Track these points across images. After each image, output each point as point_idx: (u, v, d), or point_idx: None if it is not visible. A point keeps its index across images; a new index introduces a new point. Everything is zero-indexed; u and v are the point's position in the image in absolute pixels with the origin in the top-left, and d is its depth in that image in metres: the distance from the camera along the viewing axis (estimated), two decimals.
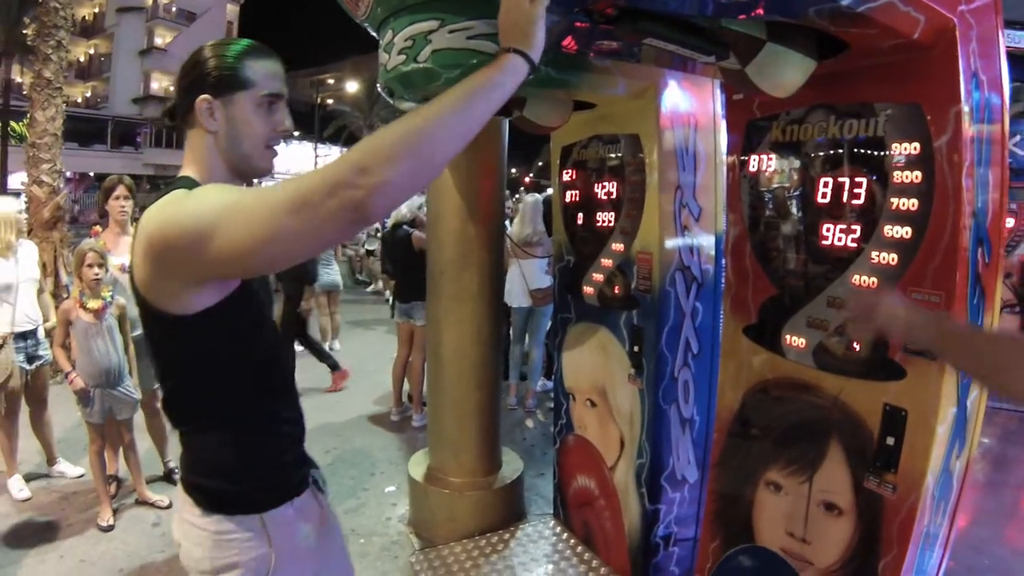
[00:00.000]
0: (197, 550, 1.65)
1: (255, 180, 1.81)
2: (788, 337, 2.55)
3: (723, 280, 3.14)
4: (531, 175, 38.27)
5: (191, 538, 1.67)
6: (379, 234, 9.04)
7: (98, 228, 4.99)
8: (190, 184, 1.57)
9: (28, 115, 10.18)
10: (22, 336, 4.69)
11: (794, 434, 2.57)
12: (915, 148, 2.10)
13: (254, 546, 1.66)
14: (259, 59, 1.65)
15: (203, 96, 1.60)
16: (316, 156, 50.42)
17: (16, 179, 29.03)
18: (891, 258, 2.17)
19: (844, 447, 2.37)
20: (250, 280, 1.56)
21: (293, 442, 1.80)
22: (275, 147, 1.71)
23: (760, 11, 1.90)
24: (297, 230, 1.24)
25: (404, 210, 6.50)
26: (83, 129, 38.83)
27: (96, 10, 48.26)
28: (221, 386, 1.59)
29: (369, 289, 15.25)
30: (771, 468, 2.65)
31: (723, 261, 3.10)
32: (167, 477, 5.04)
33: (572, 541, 4.06)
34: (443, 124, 1.37)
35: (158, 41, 48.19)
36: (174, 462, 5.02)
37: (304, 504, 1.78)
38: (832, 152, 2.34)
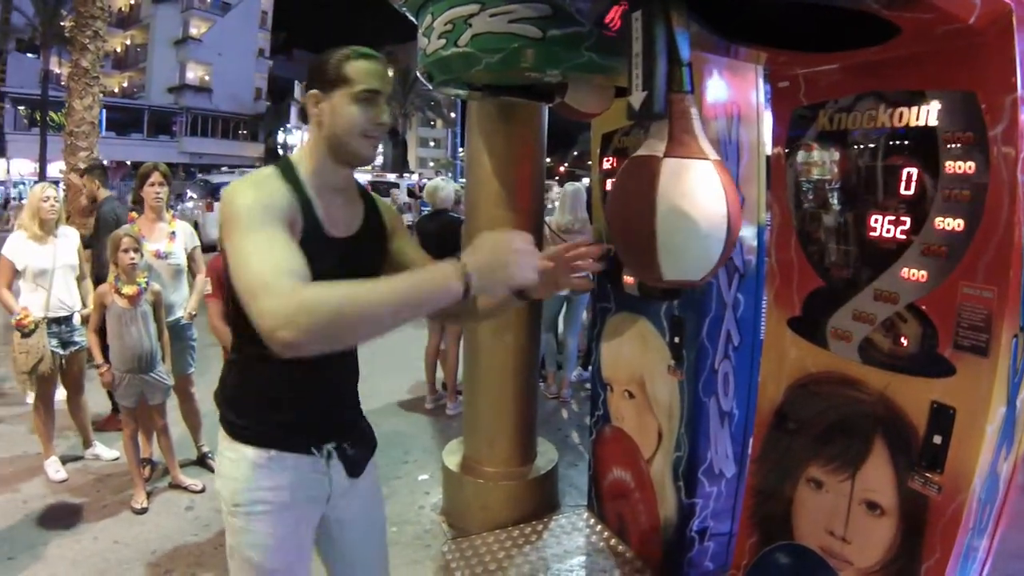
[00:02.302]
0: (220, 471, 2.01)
1: (356, 166, 2.00)
2: (833, 330, 2.49)
3: (765, 271, 3.08)
4: (566, 164, 38.12)
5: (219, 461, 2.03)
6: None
7: (134, 214, 5.05)
8: (285, 164, 1.92)
9: (66, 104, 10.36)
10: (56, 321, 4.77)
11: (837, 430, 2.51)
12: (968, 137, 2.02)
13: (257, 475, 1.93)
14: (359, 60, 1.88)
15: (312, 91, 1.91)
16: None
17: (54, 168, 29.70)
18: (942, 251, 2.10)
19: (888, 444, 2.31)
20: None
21: (300, 403, 1.95)
22: (373, 137, 1.92)
23: None
24: (251, 303, 1.47)
25: (444, 194, 6.49)
26: (120, 118, 39.73)
27: (132, 1, 49.34)
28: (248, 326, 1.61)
29: None
30: (812, 464, 2.59)
31: (765, 252, 3.04)
32: (200, 461, 5.10)
33: (606, 533, 4.03)
34: (376, 318, 1.49)
35: (193, 31, 49.13)
36: (207, 447, 5.10)
37: (299, 464, 1.96)
38: (881, 141, 2.27)
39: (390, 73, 2.00)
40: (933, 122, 2.11)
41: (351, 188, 2.05)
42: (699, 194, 2.04)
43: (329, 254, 1.83)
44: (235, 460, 1.95)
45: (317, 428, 2.01)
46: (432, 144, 67.90)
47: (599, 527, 4.10)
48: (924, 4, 1.78)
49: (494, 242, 1.67)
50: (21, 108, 39.17)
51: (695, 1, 2.12)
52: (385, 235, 2.13)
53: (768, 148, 3.14)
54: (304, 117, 1.99)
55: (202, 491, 4.68)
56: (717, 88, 3.25)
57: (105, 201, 6.18)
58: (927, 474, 2.17)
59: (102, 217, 5.90)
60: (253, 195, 1.70)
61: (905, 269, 2.21)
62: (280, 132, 41.57)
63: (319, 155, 1.93)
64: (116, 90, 46.21)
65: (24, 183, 32.21)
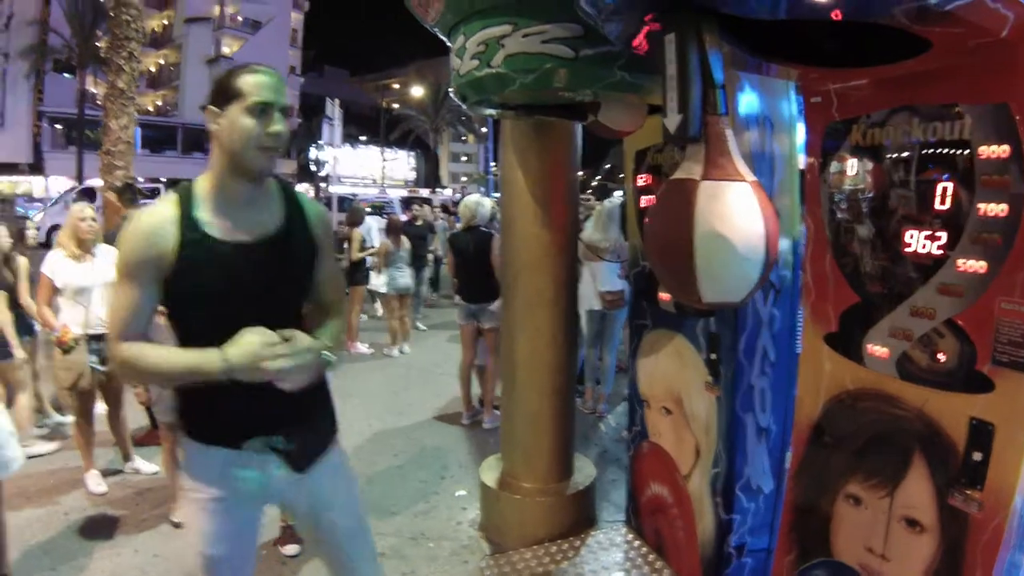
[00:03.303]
0: None
1: (255, 178, 2.08)
2: (870, 346, 2.48)
3: (800, 286, 3.07)
4: (598, 177, 38.10)
5: None
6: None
7: None
8: (183, 187, 2.09)
9: (102, 124, 10.58)
10: (95, 338, 4.86)
11: (875, 446, 2.49)
12: (1004, 151, 2.01)
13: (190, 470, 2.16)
14: (250, 74, 1.99)
15: (210, 107, 2.00)
16: (383, 160, 51.23)
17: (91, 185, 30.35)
18: (979, 265, 2.08)
19: (928, 461, 2.29)
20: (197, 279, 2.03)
21: (222, 401, 2.04)
22: (269, 148, 2.01)
23: (838, 13, 1.85)
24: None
25: (484, 211, 6.53)
26: (154, 136, 40.45)
27: (165, 21, 50.23)
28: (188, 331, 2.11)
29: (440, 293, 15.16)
30: (851, 480, 2.58)
31: (801, 267, 3.03)
32: None
33: (644, 549, 4.01)
34: (160, 378, 2.31)
35: (225, 50, 49.76)
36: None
37: (226, 458, 2.11)
38: (915, 155, 2.26)
39: (284, 85, 2.07)
40: (967, 135, 2.10)
41: (262, 197, 2.12)
42: (737, 216, 2.05)
43: (221, 259, 2.00)
44: (182, 452, 2.18)
45: (240, 424, 2.10)
46: (464, 159, 68.12)
47: (637, 543, 4.09)
48: (954, 19, 1.78)
49: (250, 346, 1.89)
50: (58, 127, 40.08)
51: (727, 21, 2.13)
52: (310, 240, 2.20)
53: (801, 161, 3.14)
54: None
55: None
56: (750, 100, 3.25)
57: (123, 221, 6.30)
58: (967, 491, 2.15)
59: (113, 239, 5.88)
60: (126, 245, 2.00)
61: (942, 284, 2.19)
62: (312, 148, 41.97)
63: (218, 169, 2.04)
64: (150, 108, 47.08)
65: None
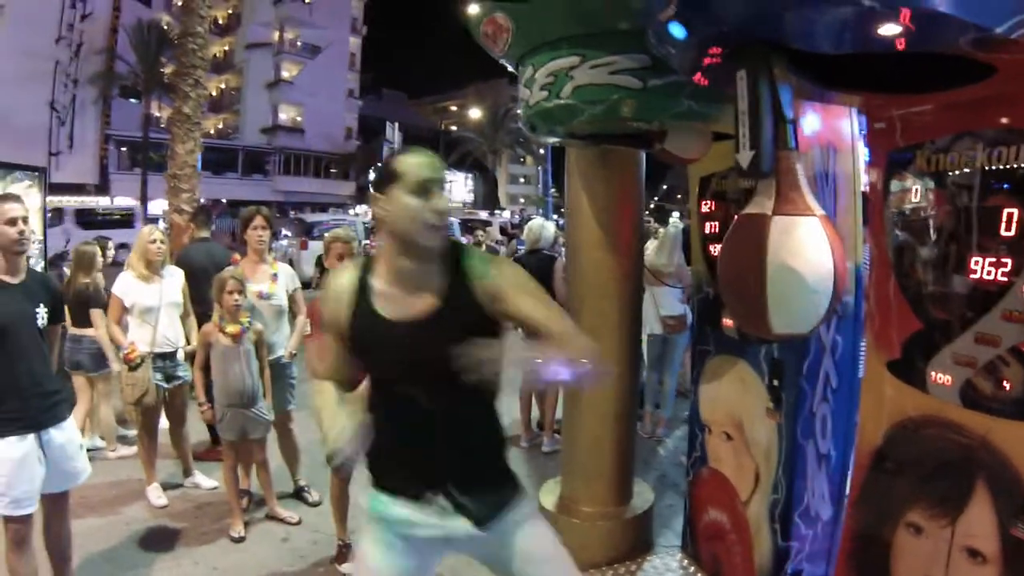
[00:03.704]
0: None
1: (423, 255, 2.16)
2: (933, 373, 2.46)
3: (863, 312, 3.06)
4: (656, 198, 37.88)
5: None
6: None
7: (237, 256, 5.30)
8: (367, 259, 2.29)
9: (169, 149, 10.92)
10: (161, 356, 5.07)
11: (937, 474, 2.46)
12: None
13: None
14: (407, 156, 2.13)
15: (372, 194, 2.17)
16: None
17: (154, 206, 31.22)
18: None
19: (991, 490, 2.26)
20: None
21: (411, 455, 2.25)
22: (434, 225, 2.10)
23: (903, 46, 1.88)
24: None
25: (548, 234, 6.59)
26: (216, 158, 41.56)
27: (226, 48, 51.74)
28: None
29: None
30: (912, 509, 2.55)
31: (863, 293, 3.02)
32: (297, 495, 5.23)
33: (700, 575, 3.99)
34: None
35: (284, 74, 51.31)
36: (304, 480, 5.26)
37: (413, 511, 2.24)
38: (980, 181, 2.26)
39: (439, 163, 2.17)
40: None
41: (430, 272, 2.17)
42: (807, 251, 2.11)
43: (383, 333, 2.17)
44: (365, 498, 2.36)
45: (420, 478, 2.24)
46: (522, 180, 68.13)
47: (693, 568, 4.07)
48: (1019, 45, 1.80)
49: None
50: (123, 149, 41.47)
51: (793, 53, 2.17)
52: (473, 306, 2.18)
53: (864, 184, 3.14)
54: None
55: (298, 523, 4.83)
56: (812, 122, 3.26)
57: (193, 246, 6.58)
58: None
59: (186, 262, 6.06)
60: (324, 302, 2.32)
61: (1007, 311, 2.18)
62: (371, 171, 42.71)
63: (389, 250, 2.18)
64: (212, 132, 48.18)
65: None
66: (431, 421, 2.18)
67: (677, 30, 2.12)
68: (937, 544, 2.44)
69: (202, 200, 11.24)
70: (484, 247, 12.31)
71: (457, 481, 2.23)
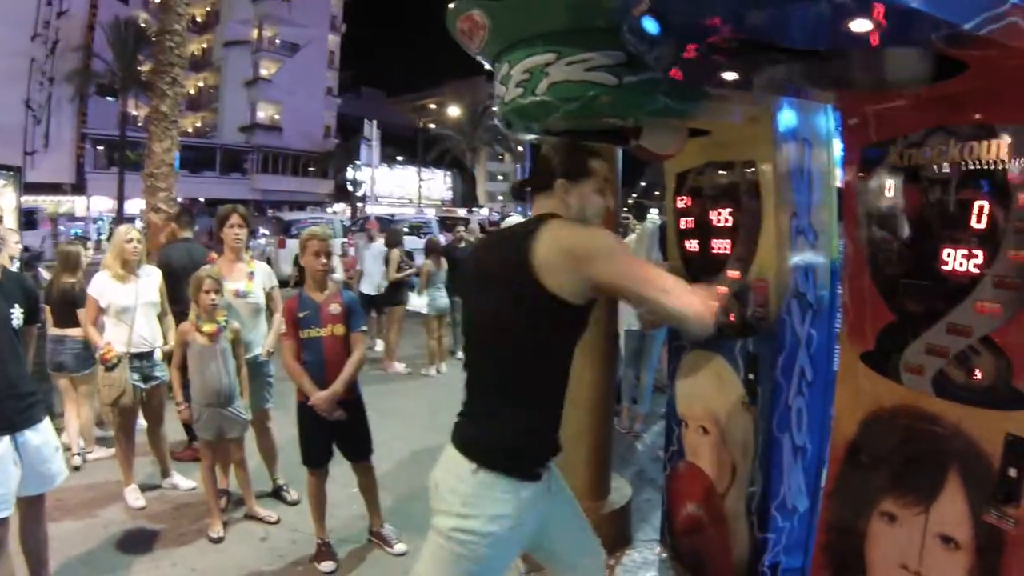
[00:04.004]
0: None
1: None
2: (907, 364, 2.50)
3: (838, 306, 3.10)
4: (634, 195, 38.01)
5: None
6: None
7: (214, 255, 5.28)
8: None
9: (145, 147, 10.85)
10: (138, 357, 5.02)
11: (911, 463, 2.50)
12: None
13: None
14: (598, 159, 2.45)
15: (561, 180, 2.42)
16: (420, 180, 51.58)
17: (131, 205, 30.90)
18: (1015, 283, 2.11)
19: (963, 478, 2.30)
20: None
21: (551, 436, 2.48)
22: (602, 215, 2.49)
23: (876, 41, 1.90)
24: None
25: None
26: (194, 157, 41.35)
27: (205, 45, 51.50)
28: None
29: None
30: (886, 498, 2.58)
31: (838, 287, 3.06)
32: (275, 494, 5.21)
33: (679, 569, 4.03)
34: None
35: (263, 72, 51.15)
36: (282, 479, 5.24)
37: (538, 491, 2.39)
38: (952, 175, 2.30)
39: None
40: (1003, 155, 2.14)
41: None
42: None
43: None
44: (488, 492, 2.28)
45: (547, 456, 2.43)
46: (500, 178, 67.97)
47: (672, 562, 4.10)
48: (990, 42, 1.83)
49: None
50: (100, 148, 41.08)
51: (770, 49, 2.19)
52: None
53: (839, 180, 3.18)
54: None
55: (277, 522, 4.81)
56: (791, 123, 3.31)
57: (174, 245, 6.51)
58: (1002, 508, 2.16)
59: (166, 261, 6.01)
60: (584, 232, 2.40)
61: (978, 302, 2.22)
62: (349, 169, 42.46)
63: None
64: (190, 130, 47.93)
65: (102, 219, 33.68)
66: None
67: (651, 25, 2.13)
68: (911, 532, 2.47)
69: (179, 199, 11.15)
70: (464, 243, 12.29)
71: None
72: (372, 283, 10.06)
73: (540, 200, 2.49)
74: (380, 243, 10.28)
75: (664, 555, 4.20)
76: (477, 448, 2.31)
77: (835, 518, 2.86)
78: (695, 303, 2.13)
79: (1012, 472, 2.14)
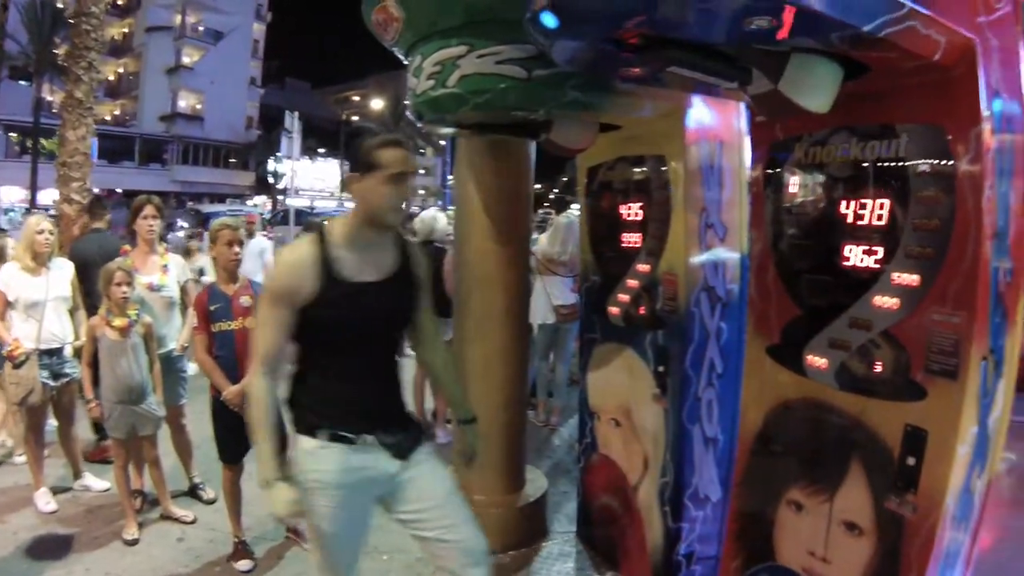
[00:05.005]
0: None
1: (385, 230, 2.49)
2: (810, 357, 2.56)
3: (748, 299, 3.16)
4: (556, 190, 38.31)
5: None
6: None
7: (127, 247, 5.09)
8: (319, 232, 2.46)
9: (58, 134, 10.38)
10: (47, 353, 4.76)
11: (816, 454, 2.58)
12: (936, 169, 2.12)
13: None
14: (389, 148, 2.35)
15: (351, 174, 2.41)
16: (342, 173, 50.87)
17: (44, 195, 29.61)
18: (913, 279, 2.19)
19: (865, 467, 2.38)
20: None
21: (347, 402, 2.53)
22: (399, 208, 2.46)
23: (784, 36, 1.93)
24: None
25: (441, 226, 6.54)
26: (112, 146, 39.77)
27: (125, 30, 49.21)
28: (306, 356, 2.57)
29: None
30: (793, 487, 2.66)
31: (748, 280, 3.12)
32: (192, 492, 5.05)
33: (595, 559, 4.07)
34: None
35: (185, 60, 49.10)
36: (199, 478, 5.09)
37: (348, 454, 2.49)
38: (854, 173, 2.37)
39: (411, 155, 2.41)
40: (903, 154, 2.21)
41: (385, 243, 2.53)
42: None
43: (350, 295, 2.39)
44: (300, 450, 2.45)
45: (354, 421, 2.46)
46: (422, 172, 67.53)
47: (588, 553, 4.14)
48: (888, 44, 1.88)
49: (277, 502, 2.36)
50: (12, 135, 39.12)
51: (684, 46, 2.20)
52: (416, 283, 2.60)
53: (748, 177, 3.24)
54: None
55: (193, 522, 4.65)
56: (702, 119, 3.35)
57: (86, 237, 6.21)
58: (902, 494, 2.24)
59: (78, 254, 5.73)
60: (275, 276, 2.49)
61: (878, 297, 2.29)
62: (271, 161, 41.52)
63: (356, 220, 2.45)
64: (108, 118, 45.93)
65: (14, 210, 32.15)
66: (378, 368, 2.55)
67: (549, 20, 2.11)
68: (817, 520, 2.55)
69: (95, 190, 10.68)
70: None
71: (391, 421, 2.54)
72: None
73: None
74: (260, 239, 9.99)
75: (581, 546, 4.23)
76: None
77: (745, 507, 2.93)
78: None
79: (911, 461, 2.23)
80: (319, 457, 2.43)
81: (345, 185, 2.50)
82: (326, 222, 2.54)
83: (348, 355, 2.47)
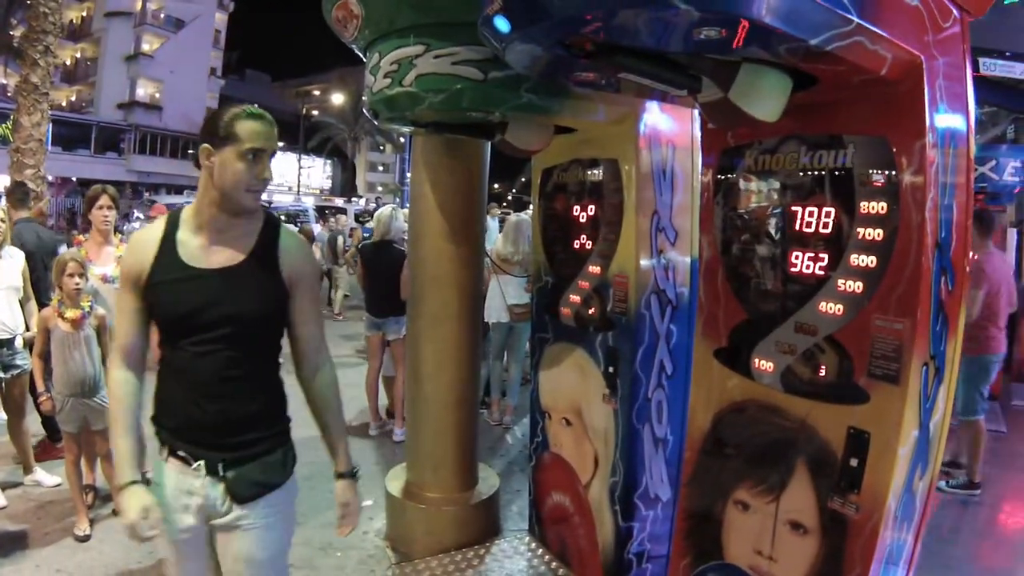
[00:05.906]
0: None
1: (238, 214, 2.18)
2: (757, 361, 2.61)
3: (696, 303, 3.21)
4: (513, 190, 38.40)
5: None
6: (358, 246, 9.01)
7: (81, 237, 5.00)
8: (173, 213, 2.23)
9: (12, 119, 10.16)
10: None
11: (762, 455, 2.62)
12: (881, 180, 2.18)
13: None
14: (247, 120, 2.09)
15: (204, 145, 2.12)
16: (300, 167, 50.25)
17: None
18: (857, 286, 2.24)
19: (810, 468, 2.43)
20: None
21: (185, 419, 2.25)
22: (256, 191, 2.15)
23: (737, 45, 1.97)
24: None
25: (398, 225, 6.50)
26: (67, 133, 38.78)
27: (84, 13, 47.66)
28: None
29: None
30: (740, 487, 2.71)
31: (698, 284, 3.17)
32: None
33: (547, 557, 4.10)
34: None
35: (145, 47, 47.75)
36: (151, 473, 4.99)
37: (182, 475, 2.26)
38: (802, 182, 2.42)
39: (275, 130, 2.18)
40: (849, 165, 2.27)
41: (240, 230, 2.20)
42: None
43: (181, 280, 2.12)
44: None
45: (190, 441, 2.20)
46: (381, 168, 66.97)
47: (540, 551, 4.17)
48: (836, 58, 1.93)
49: (131, 511, 2.17)
50: None
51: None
52: (274, 276, 2.22)
53: (699, 183, 3.29)
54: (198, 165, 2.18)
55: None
56: (656, 124, 3.39)
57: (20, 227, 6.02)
58: (846, 495, 2.30)
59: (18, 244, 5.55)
60: (124, 257, 2.30)
61: (823, 303, 2.35)
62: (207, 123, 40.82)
63: (205, 199, 2.16)
64: (64, 104, 44.63)
65: None
66: (231, 375, 2.17)
67: (502, 24, 2.12)
68: (764, 519, 2.60)
69: (49, 177, 10.44)
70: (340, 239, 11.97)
71: (230, 446, 2.19)
72: None
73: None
74: None
75: (533, 544, 4.26)
76: None
77: (693, 506, 2.97)
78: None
79: (853, 462, 2.28)
80: (159, 469, 2.26)
81: (196, 159, 2.17)
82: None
83: (192, 354, 2.13)
